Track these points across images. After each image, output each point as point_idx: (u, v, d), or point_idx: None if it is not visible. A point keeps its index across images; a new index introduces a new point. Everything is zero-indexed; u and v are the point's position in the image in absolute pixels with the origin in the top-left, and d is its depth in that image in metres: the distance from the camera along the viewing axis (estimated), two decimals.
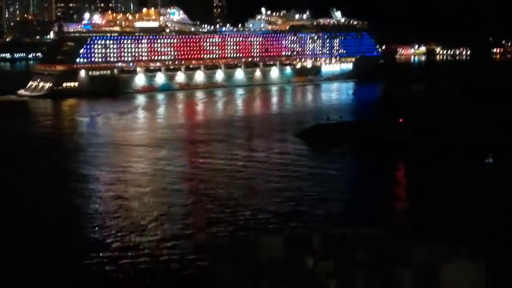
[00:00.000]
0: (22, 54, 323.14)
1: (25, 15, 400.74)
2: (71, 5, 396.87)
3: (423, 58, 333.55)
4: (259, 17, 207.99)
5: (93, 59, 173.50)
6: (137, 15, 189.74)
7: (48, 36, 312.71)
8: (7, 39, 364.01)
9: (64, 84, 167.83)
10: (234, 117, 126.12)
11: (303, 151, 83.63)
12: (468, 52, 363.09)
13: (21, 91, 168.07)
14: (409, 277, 21.14)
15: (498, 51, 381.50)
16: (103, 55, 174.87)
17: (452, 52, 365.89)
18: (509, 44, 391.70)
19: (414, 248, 24.01)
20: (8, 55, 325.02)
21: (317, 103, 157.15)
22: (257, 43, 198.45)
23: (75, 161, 78.59)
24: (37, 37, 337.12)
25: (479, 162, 67.09)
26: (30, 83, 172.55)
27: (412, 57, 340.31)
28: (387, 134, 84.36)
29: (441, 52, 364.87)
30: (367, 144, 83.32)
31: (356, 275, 21.38)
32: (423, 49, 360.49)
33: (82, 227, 50.67)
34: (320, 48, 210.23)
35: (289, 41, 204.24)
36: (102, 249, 45.11)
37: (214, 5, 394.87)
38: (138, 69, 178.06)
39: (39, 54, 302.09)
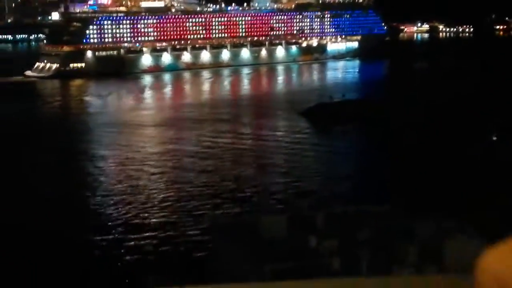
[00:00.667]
0: (24, 35, 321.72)
1: None
2: None
3: (426, 36, 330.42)
4: None
5: (99, 39, 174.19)
6: None
7: (50, 17, 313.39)
8: (8, 21, 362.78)
9: (71, 65, 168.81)
10: (239, 96, 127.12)
11: (306, 129, 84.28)
12: (471, 30, 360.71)
13: (28, 72, 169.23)
14: (414, 252, 22.44)
15: (501, 28, 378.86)
16: (110, 35, 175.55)
17: (455, 30, 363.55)
18: None
19: (418, 224, 25.04)
20: (10, 37, 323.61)
21: (322, 82, 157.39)
22: (263, 22, 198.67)
23: (86, 141, 79.76)
24: (39, 18, 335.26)
25: (484, 139, 67.38)
26: (37, 64, 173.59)
27: (415, 35, 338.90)
28: (392, 113, 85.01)
29: (444, 30, 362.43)
30: (370, 123, 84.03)
31: (360, 252, 22.37)
32: (426, 27, 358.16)
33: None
34: (326, 27, 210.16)
35: (295, 20, 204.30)
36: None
37: None
38: (145, 49, 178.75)
39: (41, 35, 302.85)
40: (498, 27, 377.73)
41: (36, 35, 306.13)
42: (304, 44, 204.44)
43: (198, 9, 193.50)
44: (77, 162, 67.48)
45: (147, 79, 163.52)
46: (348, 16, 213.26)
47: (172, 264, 37.77)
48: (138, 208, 49.87)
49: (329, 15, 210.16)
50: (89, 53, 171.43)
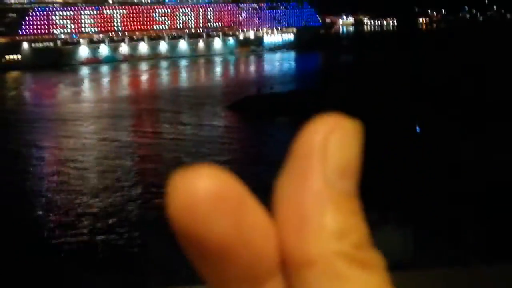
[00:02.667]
0: None
1: None
2: None
3: (351, 28, 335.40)
4: None
5: (35, 30, 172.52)
6: None
7: None
8: None
9: (7, 57, 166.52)
10: (168, 89, 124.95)
11: (231, 123, 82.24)
12: (395, 23, 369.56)
13: None
14: None
15: (424, 21, 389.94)
16: (46, 26, 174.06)
17: (379, 23, 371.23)
18: (435, 14, 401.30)
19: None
20: None
21: (257, 74, 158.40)
22: (201, 14, 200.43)
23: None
24: None
25: (407, 130, 69.59)
26: None
27: (340, 28, 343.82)
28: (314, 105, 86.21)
29: (369, 23, 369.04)
30: (296, 115, 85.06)
31: None
32: (351, 19, 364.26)
33: None
34: (263, 19, 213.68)
35: (232, 12, 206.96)
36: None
37: None
38: (82, 40, 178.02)
39: None
40: (421, 20, 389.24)
41: None
42: (241, 36, 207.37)
43: (136, 0, 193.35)
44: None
45: (84, 71, 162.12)
46: (284, 8, 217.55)
47: None
48: None
49: (265, 7, 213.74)
50: (25, 45, 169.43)
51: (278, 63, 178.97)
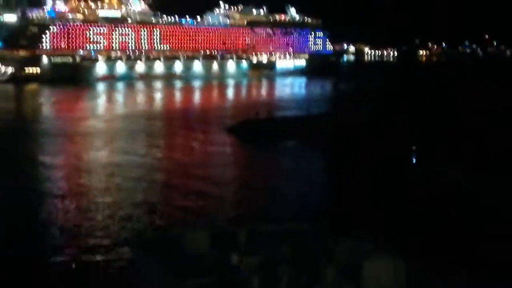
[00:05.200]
0: None
1: None
2: None
3: (351, 57, 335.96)
4: (217, 11, 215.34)
5: (56, 45, 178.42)
6: (100, 3, 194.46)
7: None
8: None
9: (27, 70, 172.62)
10: (178, 109, 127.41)
11: (228, 144, 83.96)
12: (395, 54, 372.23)
13: None
14: (332, 272, 21.72)
15: (424, 53, 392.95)
16: (66, 42, 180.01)
17: (380, 53, 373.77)
18: (435, 47, 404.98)
19: (338, 243, 25.38)
20: None
21: (266, 97, 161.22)
22: (215, 36, 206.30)
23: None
24: None
25: (402, 160, 71.57)
26: None
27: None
28: (311, 131, 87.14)
29: (369, 52, 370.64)
30: (294, 139, 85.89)
31: (281, 271, 21.97)
32: (352, 48, 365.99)
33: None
34: (276, 44, 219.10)
35: (246, 36, 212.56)
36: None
37: None
38: (100, 57, 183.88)
39: None
40: (421, 52, 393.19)
41: None
42: (254, 60, 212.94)
43: (154, 20, 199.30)
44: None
45: (100, 88, 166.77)
46: (297, 34, 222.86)
47: None
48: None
49: (279, 33, 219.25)
50: (45, 59, 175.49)
51: (288, 88, 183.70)
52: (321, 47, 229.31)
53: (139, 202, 52.07)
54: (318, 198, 57.42)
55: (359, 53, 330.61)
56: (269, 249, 24.11)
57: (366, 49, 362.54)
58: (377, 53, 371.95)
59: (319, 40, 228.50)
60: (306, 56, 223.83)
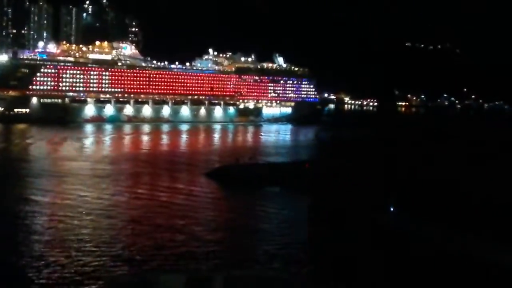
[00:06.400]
0: None
1: None
2: None
3: (332, 106, 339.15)
4: (206, 57, 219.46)
5: (45, 86, 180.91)
6: (91, 47, 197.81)
7: None
8: None
9: (16, 110, 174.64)
10: (161, 153, 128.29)
11: (204, 187, 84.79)
12: (375, 104, 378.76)
13: None
14: None
15: (403, 104, 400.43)
16: (56, 83, 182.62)
17: (360, 102, 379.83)
18: (414, 98, 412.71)
19: None
20: None
21: (249, 143, 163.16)
22: (204, 82, 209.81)
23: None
24: None
25: (381, 209, 73.12)
26: None
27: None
28: (291, 178, 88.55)
29: (349, 102, 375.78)
30: (271, 185, 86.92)
31: None
32: (332, 97, 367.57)
33: None
34: (263, 91, 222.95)
35: (234, 82, 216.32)
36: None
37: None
38: (89, 99, 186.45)
39: None
40: (401, 103, 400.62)
41: None
42: (241, 106, 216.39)
43: (143, 64, 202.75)
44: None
45: (87, 129, 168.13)
46: (283, 82, 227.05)
47: None
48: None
49: (266, 80, 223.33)
50: (34, 99, 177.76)
51: (273, 134, 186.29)
52: (307, 95, 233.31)
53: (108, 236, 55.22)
54: (282, 247, 57.40)
55: (339, 103, 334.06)
56: None
57: (346, 99, 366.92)
58: (356, 103, 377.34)
59: (305, 88, 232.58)
60: (292, 103, 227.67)
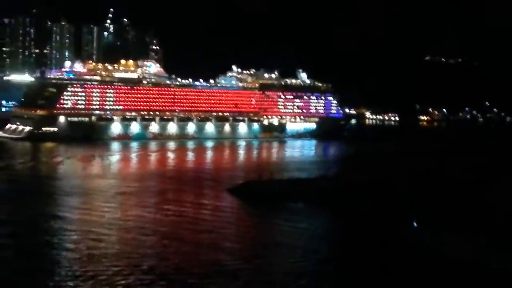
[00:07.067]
0: None
1: None
2: (4, 48, 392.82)
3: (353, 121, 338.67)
4: (230, 74, 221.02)
5: (73, 105, 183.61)
6: (117, 66, 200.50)
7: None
8: None
9: (44, 128, 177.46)
10: (188, 169, 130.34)
11: (230, 205, 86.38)
12: (397, 118, 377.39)
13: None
14: None
15: (425, 118, 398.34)
16: (83, 102, 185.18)
17: (381, 117, 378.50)
18: (435, 112, 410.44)
19: None
20: None
21: (274, 159, 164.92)
22: (228, 98, 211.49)
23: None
24: None
25: (406, 225, 71.00)
26: (9, 125, 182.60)
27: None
28: (314, 194, 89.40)
29: (370, 117, 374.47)
30: (291, 200, 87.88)
31: None
32: (353, 112, 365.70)
33: None
34: (286, 107, 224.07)
35: (258, 99, 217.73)
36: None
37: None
38: (115, 117, 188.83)
39: None
40: (422, 117, 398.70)
41: None
42: (266, 122, 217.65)
43: (168, 82, 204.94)
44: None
45: (114, 146, 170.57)
46: (307, 98, 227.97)
47: None
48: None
49: (290, 96, 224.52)
50: (61, 118, 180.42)
51: (297, 150, 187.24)
52: (331, 111, 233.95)
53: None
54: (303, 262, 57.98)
55: (360, 117, 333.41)
56: None
57: (367, 114, 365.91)
58: (378, 118, 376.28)
59: (328, 103, 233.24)
60: (316, 119, 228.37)
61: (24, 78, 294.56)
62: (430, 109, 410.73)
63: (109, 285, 47.79)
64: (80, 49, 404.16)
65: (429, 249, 62.70)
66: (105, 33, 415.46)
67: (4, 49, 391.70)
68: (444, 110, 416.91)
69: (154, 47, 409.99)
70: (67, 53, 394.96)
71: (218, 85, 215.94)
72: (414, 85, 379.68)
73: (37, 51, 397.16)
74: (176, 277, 50.92)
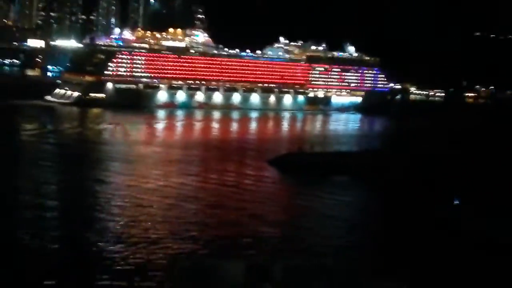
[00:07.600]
0: None
1: (4, 21, 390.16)
2: (52, 14, 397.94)
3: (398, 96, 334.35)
4: (277, 45, 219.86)
5: (120, 72, 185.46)
6: (165, 34, 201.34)
7: (26, 43, 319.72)
8: None
9: (92, 94, 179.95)
10: (231, 139, 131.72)
11: (265, 175, 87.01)
12: (442, 94, 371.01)
13: (48, 97, 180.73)
14: None
15: (471, 95, 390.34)
16: (131, 69, 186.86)
17: (426, 92, 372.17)
18: (482, 89, 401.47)
19: (370, 283, 25.25)
20: None
21: (318, 132, 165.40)
22: (274, 70, 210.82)
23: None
24: (15, 43, 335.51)
25: (448, 203, 70.05)
26: (57, 90, 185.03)
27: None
28: (358, 167, 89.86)
29: (415, 92, 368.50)
30: (333, 173, 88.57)
31: None
32: (398, 86, 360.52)
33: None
34: (333, 80, 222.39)
35: (304, 71, 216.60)
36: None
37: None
38: (162, 85, 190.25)
39: (15, 60, 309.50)
40: (468, 94, 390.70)
41: (10, 60, 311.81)
42: (311, 95, 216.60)
43: (215, 52, 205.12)
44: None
45: (159, 114, 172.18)
46: (354, 71, 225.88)
47: None
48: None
49: (337, 69, 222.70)
50: (109, 85, 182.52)
51: (342, 123, 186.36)
52: (378, 85, 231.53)
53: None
54: (345, 236, 58.72)
55: (405, 92, 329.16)
56: (303, 285, 24.58)
57: (412, 89, 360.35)
58: (422, 93, 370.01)
59: (375, 78, 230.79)
60: (362, 93, 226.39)
61: (70, 44, 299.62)
62: (477, 86, 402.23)
63: (150, 253, 48.60)
64: (126, 17, 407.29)
65: (466, 225, 62.14)
66: (151, 0, 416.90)
67: (52, 14, 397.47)
68: (491, 87, 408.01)
69: (200, 16, 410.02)
70: (113, 20, 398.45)
71: (265, 56, 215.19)
72: (461, 61, 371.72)
73: (83, 17, 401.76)
74: (215, 245, 51.57)
